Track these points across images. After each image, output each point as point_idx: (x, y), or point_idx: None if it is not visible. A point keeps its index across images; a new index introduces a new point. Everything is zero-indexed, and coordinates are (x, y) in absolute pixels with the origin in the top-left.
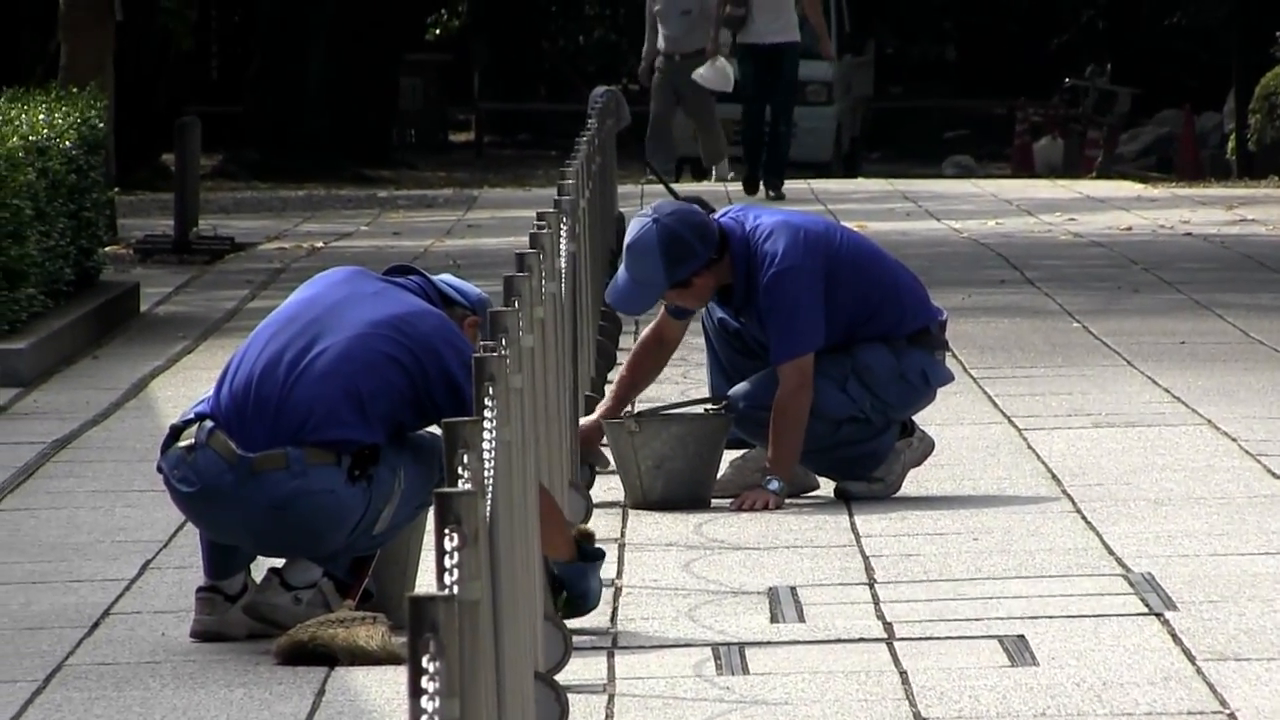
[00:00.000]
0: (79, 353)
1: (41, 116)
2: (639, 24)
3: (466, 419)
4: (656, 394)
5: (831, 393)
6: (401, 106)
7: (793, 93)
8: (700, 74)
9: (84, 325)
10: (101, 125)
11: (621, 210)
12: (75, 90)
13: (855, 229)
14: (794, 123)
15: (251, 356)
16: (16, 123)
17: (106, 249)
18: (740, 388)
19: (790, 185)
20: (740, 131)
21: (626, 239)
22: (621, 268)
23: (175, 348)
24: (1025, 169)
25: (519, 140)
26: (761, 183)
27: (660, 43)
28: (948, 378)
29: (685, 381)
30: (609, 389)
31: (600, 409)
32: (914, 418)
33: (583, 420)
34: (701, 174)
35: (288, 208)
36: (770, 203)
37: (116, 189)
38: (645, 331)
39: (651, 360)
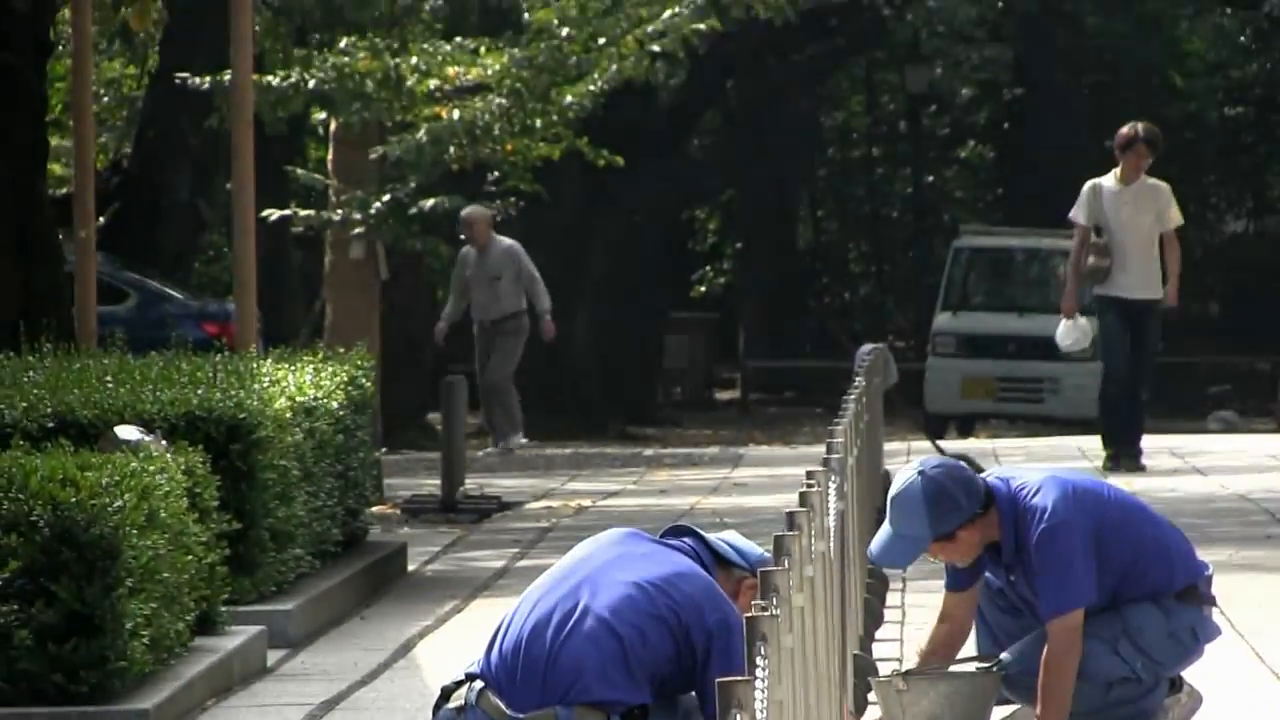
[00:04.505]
0: (347, 613)
1: (308, 377)
2: (905, 282)
3: (740, 679)
4: None
5: (1104, 655)
6: (667, 364)
7: (1154, 355)
8: (1064, 334)
9: (351, 585)
10: (368, 385)
11: (888, 468)
12: (341, 350)
13: (1122, 486)
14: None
15: (521, 617)
16: (284, 383)
17: (373, 509)
18: (1011, 651)
19: (1057, 442)
20: (1102, 395)
21: (891, 492)
22: (885, 523)
23: (444, 608)
24: None
25: (785, 398)
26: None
27: (473, 310)
28: (1216, 633)
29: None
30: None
31: None
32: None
33: None
34: (967, 431)
35: (554, 466)
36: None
37: (384, 449)
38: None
39: (943, 649)
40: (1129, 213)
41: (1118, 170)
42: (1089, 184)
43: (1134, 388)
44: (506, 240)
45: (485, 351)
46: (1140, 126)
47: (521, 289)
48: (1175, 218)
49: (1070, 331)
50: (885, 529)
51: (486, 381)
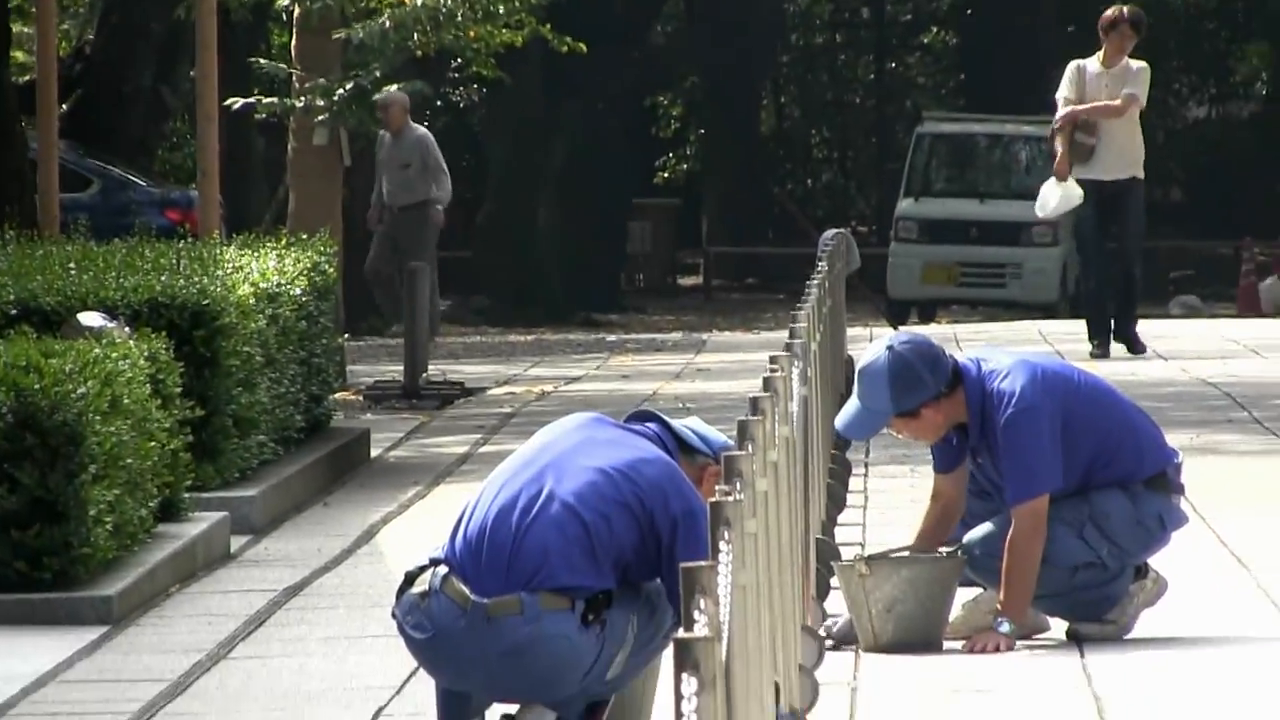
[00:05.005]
0: (310, 499)
1: (272, 263)
2: (867, 167)
3: (703, 564)
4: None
5: (1069, 540)
6: (630, 251)
7: (1143, 234)
8: (1056, 200)
9: (314, 472)
10: (331, 271)
11: (851, 353)
12: (305, 236)
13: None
14: (1019, 267)
15: (485, 502)
16: (247, 270)
17: (336, 395)
18: (975, 533)
19: (1018, 326)
20: (1082, 287)
21: (859, 365)
22: (853, 395)
23: (406, 493)
24: (1252, 309)
25: (747, 283)
26: (1112, 337)
27: (385, 195)
28: (1183, 521)
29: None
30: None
31: None
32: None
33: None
34: (929, 316)
35: (517, 352)
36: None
37: (346, 335)
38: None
39: (934, 528)
40: (1108, 95)
41: (1100, 52)
42: (1073, 64)
43: (1128, 268)
44: (420, 128)
45: (388, 235)
46: (1125, 8)
47: (430, 178)
48: (1138, 95)
49: (1058, 197)
50: (852, 401)
51: (371, 269)
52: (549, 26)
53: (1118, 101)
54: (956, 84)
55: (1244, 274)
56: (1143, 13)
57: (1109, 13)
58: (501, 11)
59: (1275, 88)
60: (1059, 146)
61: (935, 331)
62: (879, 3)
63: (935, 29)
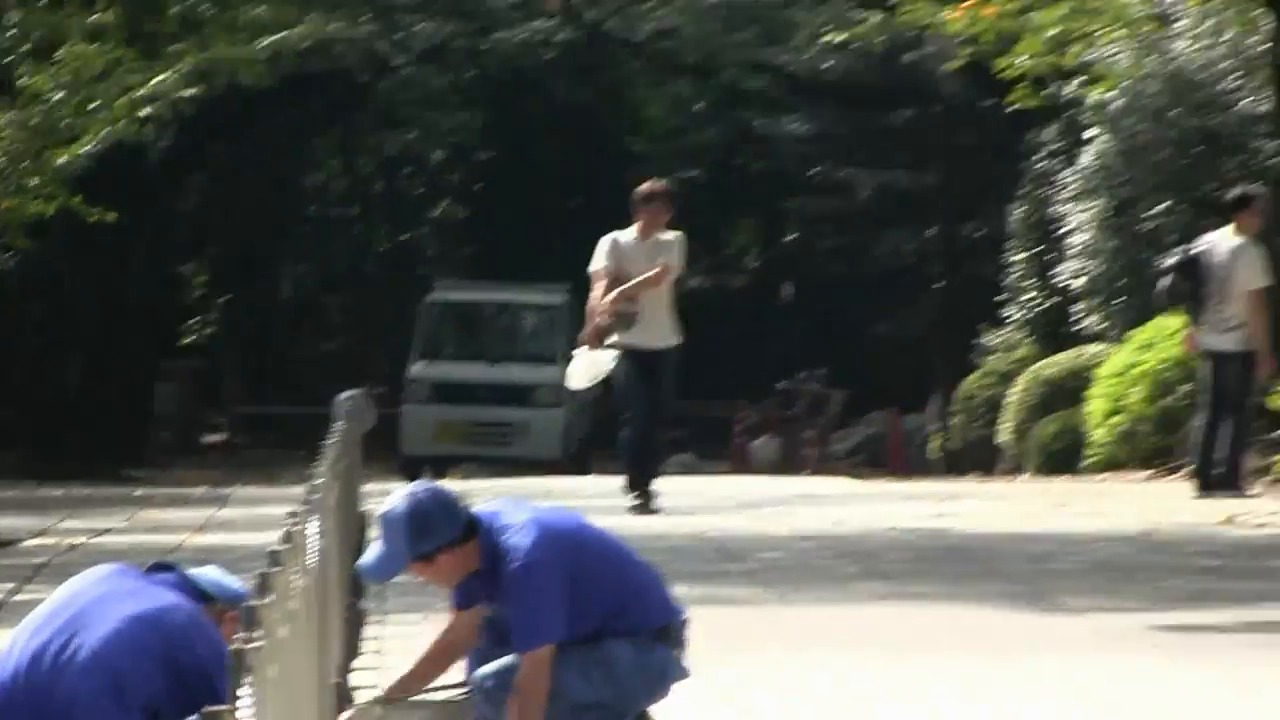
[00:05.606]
0: None
1: None
2: (381, 331)
3: (224, 708)
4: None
5: (575, 680)
6: (157, 410)
7: (671, 400)
8: (580, 369)
9: None
10: None
11: (367, 507)
12: None
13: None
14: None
15: (17, 650)
16: None
17: None
18: (488, 667)
19: (522, 482)
20: (625, 441)
21: (381, 510)
22: (375, 538)
23: None
24: (744, 467)
25: (269, 441)
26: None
27: None
28: (683, 675)
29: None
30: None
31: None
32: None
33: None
34: (441, 472)
35: (49, 505)
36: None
37: None
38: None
39: (436, 656)
40: (646, 265)
41: (637, 225)
42: (607, 238)
43: (648, 432)
44: None
45: None
46: (661, 184)
47: None
48: (672, 265)
49: (586, 366)
50: (374, 544)
51: None
52: (80, 197)
53: (655, 272)
54: (466, 253)
55: (737, 434)
56: (673, 188)
57: (644, 187)
58: (34, 184)
59: (763, 262)
60: (596, 319)
61: (448, 487)
62: (393, 178)
63: (446, 202)
